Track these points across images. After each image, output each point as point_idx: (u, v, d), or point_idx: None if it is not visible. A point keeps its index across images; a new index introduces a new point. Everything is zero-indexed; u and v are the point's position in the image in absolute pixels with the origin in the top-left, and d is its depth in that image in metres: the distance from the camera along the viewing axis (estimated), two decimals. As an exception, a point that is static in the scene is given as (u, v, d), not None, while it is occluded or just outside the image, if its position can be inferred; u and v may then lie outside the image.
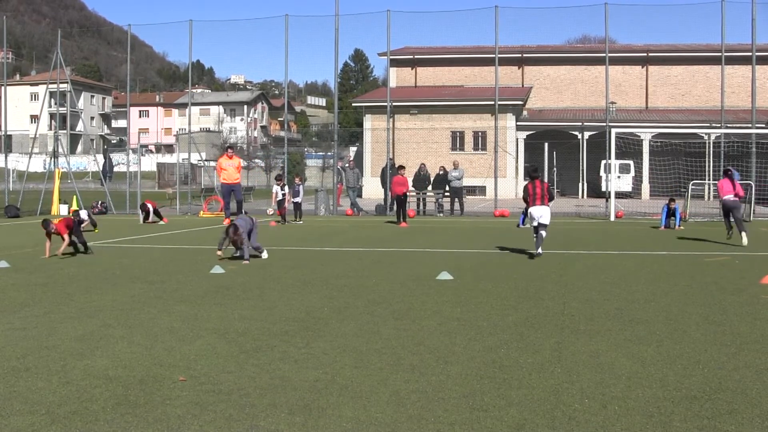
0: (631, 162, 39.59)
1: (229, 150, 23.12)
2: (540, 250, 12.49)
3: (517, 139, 42.75)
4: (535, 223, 12.76)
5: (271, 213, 23.23)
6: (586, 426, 4.04)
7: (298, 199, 22.68)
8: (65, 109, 72.53)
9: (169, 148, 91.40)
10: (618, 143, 24.64)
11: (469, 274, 10.28)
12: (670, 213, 19.40)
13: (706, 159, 31.36)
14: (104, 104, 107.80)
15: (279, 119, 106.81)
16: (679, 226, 19.33)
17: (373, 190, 37.76)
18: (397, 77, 47.88)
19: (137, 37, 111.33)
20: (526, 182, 14.17)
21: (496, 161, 28.32)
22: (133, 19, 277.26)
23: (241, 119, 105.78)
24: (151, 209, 21.66)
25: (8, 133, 48.18)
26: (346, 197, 29.60)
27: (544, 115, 45.85)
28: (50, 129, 68.70)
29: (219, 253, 11.77)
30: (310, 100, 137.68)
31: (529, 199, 12.82)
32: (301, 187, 23.16)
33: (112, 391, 4.67)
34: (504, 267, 11.21)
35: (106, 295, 8.48)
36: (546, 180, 26.46)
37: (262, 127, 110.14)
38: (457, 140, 42.85)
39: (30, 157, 32.96)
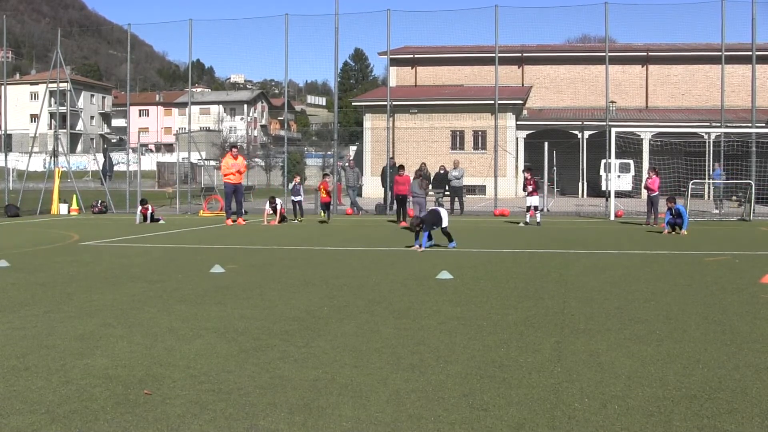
0: (631, 161, 39.60)
1: (233, 149, 23.01)
2: (531, 220, 20.06)
3: (517, 138, 42.77)
4: (528, 204, 20.23)
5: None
6: (586, 425, 4.04)
7: (298, 198, 22.71)
8: (65, 108, 72.52)
9: (169, 148, 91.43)
10: (618, 142, 24.64)
11: (469, 274, 10.28)
12: (674, 214, 17.16)
13: (706, 158, 31.37)
14: (104, 103, 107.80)
15: (279, 118, 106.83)
16: (685, 230, 17.06)
17: (373, 189, 37.77)
18: (397, 76, 47.87)
19: (137, 37, 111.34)
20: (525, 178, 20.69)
21: (496, 160, 28.33)
22: (133, 18, 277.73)
23: (241, 118, 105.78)
24: (149, 214, 21.61)
25: (8, 132, 48.21)
26: (346, 196, 29.63)
27: (544, 114, 45.85)
28: (50, 128, 68.65)
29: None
30: (310, 99, 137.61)
31: (527, 188, 20.29)
32: (301, 186, 23.18)
33: (112, 391, 4.67)
34: (504, 266, 11.20)
35: (106, 295, 8.47)
36: (540, 177, 29.81)
37: (262, 126, 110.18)
38: (457, 140, 42.85)
39: (30, 157, 32.97)
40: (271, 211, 21.61)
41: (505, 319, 7.03)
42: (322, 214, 22.53)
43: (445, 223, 13.55)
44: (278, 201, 21.63)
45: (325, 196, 22.33)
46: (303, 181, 24.44)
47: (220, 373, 5.10)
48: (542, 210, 26.38)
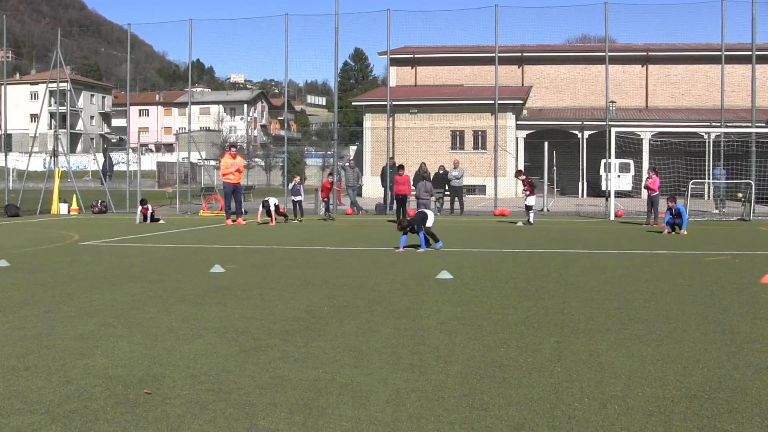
0: (631, 161, 39.59)
1: (232, 149, 22.96)
2: (532, 221, 20.46)
3: (517, 138, 42.76)
4: (526, 202, 20.93)
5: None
6: (586, 425, 4.04)
7: (298, 198, 22.72)
8: (65, 108, 72.51)
9: (169, 147, 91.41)
10: (618, 142, 24.64)
11: (469, 274, 10.28)
12: (674, 214, 17.12)
13: (706, 158, 31.37)
14: (104, 103, 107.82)
15: (279, 118, 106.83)
16: (685, 230, 17.08)
17: (373, 189, 37.77)
18: (397, 76, 47.86)
19: (137, 37, 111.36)
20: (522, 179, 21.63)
21: (496, 160, 28.33)
22: (132, 18, 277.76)
23: (241, 118, 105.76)
24: (149, 213, 21.53)
25: (8, 132, 48.18)
26: (346, 196, 29.64)
27: (544, 114, 45.85)
28: (50, 128, 68.62)
29: None
30: (310, 99, 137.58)
31: (525, 190, 21.09)
32: (301, 186, 23.17)
33: (111, 390, 4.67)
34: (504, 266, 11.20)
35: (106, 295, 8.47)
36: (540, 177, 30.75)
37: (261, 126, 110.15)
38: (457, 139, 42.85)
39: (30, 156, 32.95)
40: (266, 213, 21.33)
41: (505, 319, 7.03)
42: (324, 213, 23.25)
43: (429, 224, 13.56)
44: (272, 202, 21.19)
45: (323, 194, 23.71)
46: (303, 181, 24.42)
47: (220, 373, 5.10)
48: (542, 210, 26.45)
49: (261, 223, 20.87)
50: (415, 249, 13.27)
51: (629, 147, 31.76)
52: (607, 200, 24.59)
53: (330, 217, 23.30)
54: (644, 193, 23.05)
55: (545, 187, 29.69)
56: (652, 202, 20.46)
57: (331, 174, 25.74)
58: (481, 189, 39.43)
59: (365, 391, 4.65)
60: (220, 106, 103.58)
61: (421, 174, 26.84)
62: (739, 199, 27.02)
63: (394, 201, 23.42)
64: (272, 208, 20.99)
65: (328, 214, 23.51)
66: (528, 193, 20.89)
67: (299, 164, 59.88)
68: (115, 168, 45.19)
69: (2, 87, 32.67)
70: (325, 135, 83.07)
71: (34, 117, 63.93)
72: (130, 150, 36.93)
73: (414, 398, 4.51)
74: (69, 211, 26.71)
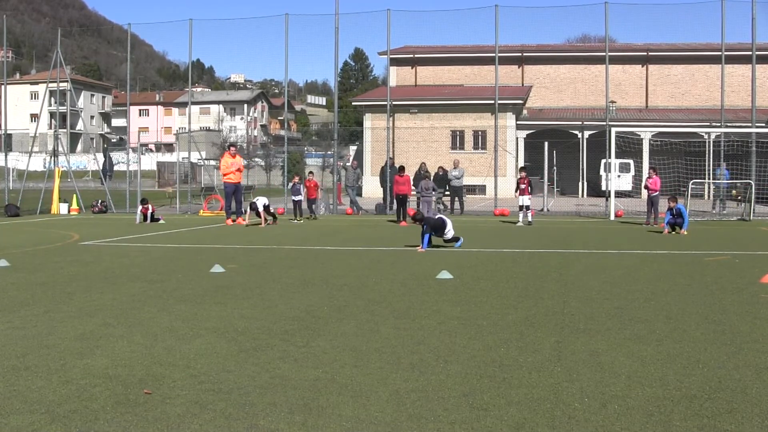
0: (631, 161, 39.59)
1: (231, 148, 22.85)
2: (530, 219, 20.49)
3: (517, 138, 42.76)
4: (520, 203, 20.66)
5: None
6: (586, 425, 4.04)
7: (298, 198, 22.71)
8: (65, 108, 72.44)
9: (169, 147, 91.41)
10: (618, 142, 24.63)
11: (469, 273, 10.28)
12: (675, 214, 17.23)
13: (706, 158, 31.37)
14: (104, 103, 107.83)
15: (279, 118, 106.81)
16: (685, 230, 17.17)
17: (373, 189, 37.78)
18: (397, 76, 47.86)
19: (137, 36, 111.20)
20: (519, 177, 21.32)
21: (496, 160, 28.31)
22: (132, 18, 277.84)
23: (241, 118, 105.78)
24: (149, 213, 21.43)
25: (8, 132, 48.17)
26: (346, 196, 29.66)
27: (544, 114, 45.86)
28: (50, 128, 68.55)
29: None
30: (310, 99, 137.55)
31: (519, 189, 20.66)
32: (301, 185, 23.16)
33: (111, 390, 4.67)
34: (504, 266, 11.20)
35: (105, 294, 8.47)
36: (540, 177, 31.03)
37: (262, 126, 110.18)
38: (457, 139, 42.86)
39: (30, 156, 32.91)
40: (255, 214, 20.64)
41: (505, 319, 7.03)
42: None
43: (449, 236, 13.57)
44: (260, 203, 20.44)
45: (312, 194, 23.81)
46: (303, 181, 24.39)
47: (220, 373, 5.10)
48: (542, 210, 26.45)
49: (249, 224, 20.32)
50: (416, 248, 13.26)
51: (629, 147, 31.76)
52: (607, 200, 24.58)
53: (313, 217, 23.16)
54: (644, 193, 23.05)
55: (545, 187, 29.69)
56: (652, 202, 20.48)
57: (311, 172, 25.50)
58: (481, 189, 39.42)
59: (365, 391, 4.65)
60: (220, 106, 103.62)
61: (422, 174, 26.92)
62: (735, 198, 27.02)
63: (394, 201, 23.43)
64: (261, 208, 20.28)
65: (312, 214, 23.44)
66: (527, 194, 20.64)
67: (299, 164, 59.83)
68: (115, 168, 45.16)
69: (2, 87, 32.67)
70: (325, 135, 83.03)
71: (34, 117, 63.90)
72: (130, 150, 36.91)
73: (414, 398, 4.51)
74: (69, 211, 26.70)
